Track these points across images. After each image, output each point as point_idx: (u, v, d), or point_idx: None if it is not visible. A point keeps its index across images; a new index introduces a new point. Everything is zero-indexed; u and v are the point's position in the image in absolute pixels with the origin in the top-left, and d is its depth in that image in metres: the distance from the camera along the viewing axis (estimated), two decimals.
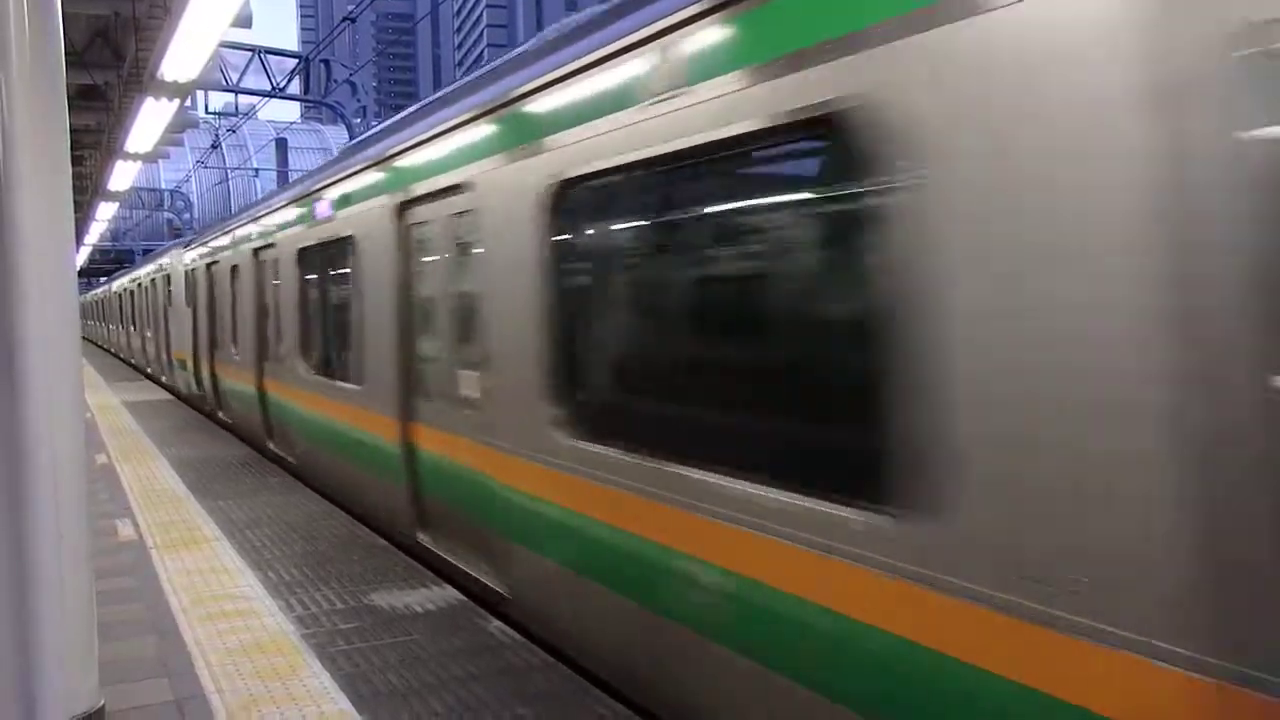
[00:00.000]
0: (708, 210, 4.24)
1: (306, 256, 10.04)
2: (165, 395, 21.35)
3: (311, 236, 9.72)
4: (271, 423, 11.88)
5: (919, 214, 2.82)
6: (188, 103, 11.62)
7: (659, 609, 4.18)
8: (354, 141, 10.65)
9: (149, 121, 11.44)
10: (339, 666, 5.12)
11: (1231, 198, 2.10)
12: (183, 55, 8.71)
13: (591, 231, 5.10)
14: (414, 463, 7.09)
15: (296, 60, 22.86)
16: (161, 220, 52.06)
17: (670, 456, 4.09)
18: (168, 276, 20.87)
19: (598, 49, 4.52)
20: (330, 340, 9.51)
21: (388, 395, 7.41)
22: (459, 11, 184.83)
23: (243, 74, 22.32)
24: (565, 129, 4.82)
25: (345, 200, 8.61)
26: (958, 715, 2.74)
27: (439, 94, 7.77)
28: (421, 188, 6.74)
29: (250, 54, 22.47)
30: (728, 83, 3.62)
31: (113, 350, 38.74)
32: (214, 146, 34.02)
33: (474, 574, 6.19)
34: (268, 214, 11.80)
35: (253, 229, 12.57)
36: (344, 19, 18.16)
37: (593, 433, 4.72)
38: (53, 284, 3.87)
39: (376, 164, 7.77)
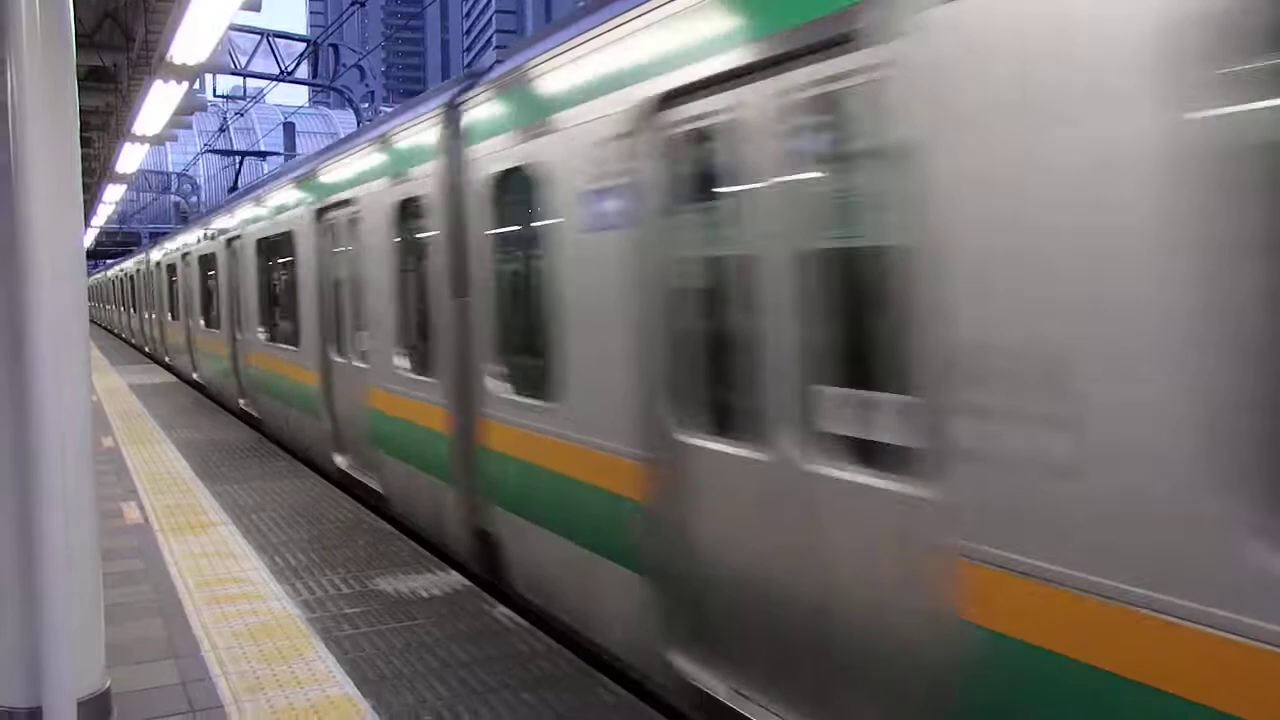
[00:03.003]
0: None
1: None
2: (170, 378, 21.39)
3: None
4: None
5: None
6: (196, 85, 11.59)
7: None
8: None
9: (157, 104, 11.41)
10: (344, 650, 5.13)
11: None
12: (192, 38, 8.68)
13: None
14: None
15: (305, 44, 22.83)
16: (168, 203, 52.09)
17: None
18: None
19: None
20: None
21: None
22: None
23: (251, 57, 22.31)
24: None
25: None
26: None
27: None
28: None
29: (259, 37, 22.46)
30: None
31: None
32: (222, 130, 34.03)
33: None
34: None
35: None
36: (353, 3, 18.11)
37: None
38: (62, 266, 3.87)
39: None
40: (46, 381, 3.71)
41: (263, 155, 33.35)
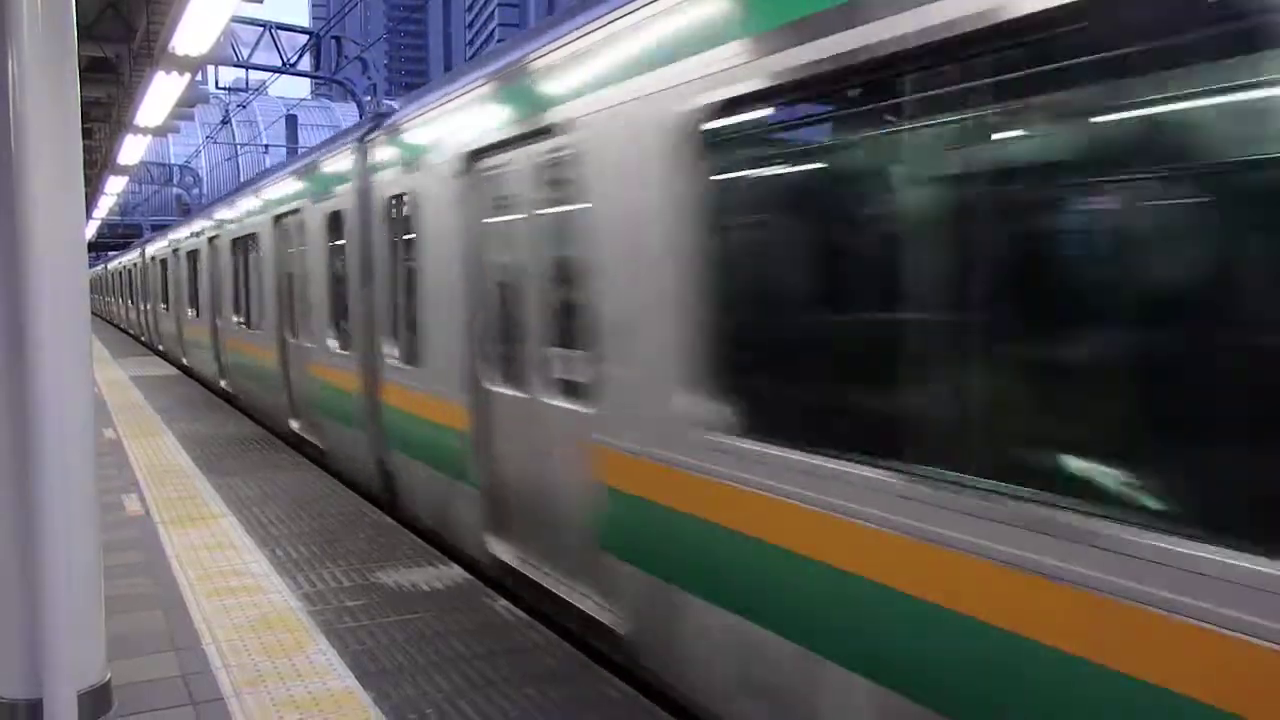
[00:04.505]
0: None
1: None
2: (172, 370, 21.39)
3: None
4: None
5: None
6: (198, 77, 11.57)
7: None
8: None
9: (159, 95, 11.41)
10: (345, 643, 5.13)
11: None
12: (194, 29, 8.68)
13: None
14: None
15: (307, 36, 22.80)
16: (170, 195, 52.03)
17: None
18: None
19: None
20: None
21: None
22: None
23: (253, 49, 22.28)
24: None
25: None
26: None
27: None
28: None
29: (261, 29, 22.43)
30: None
31: None
32: (224, 122, 34.00)
33: None
34: None
35: None
36: None
37: None
38: (63, 258, 3.86)
39: None
40: (48, 373, 3.71)
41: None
